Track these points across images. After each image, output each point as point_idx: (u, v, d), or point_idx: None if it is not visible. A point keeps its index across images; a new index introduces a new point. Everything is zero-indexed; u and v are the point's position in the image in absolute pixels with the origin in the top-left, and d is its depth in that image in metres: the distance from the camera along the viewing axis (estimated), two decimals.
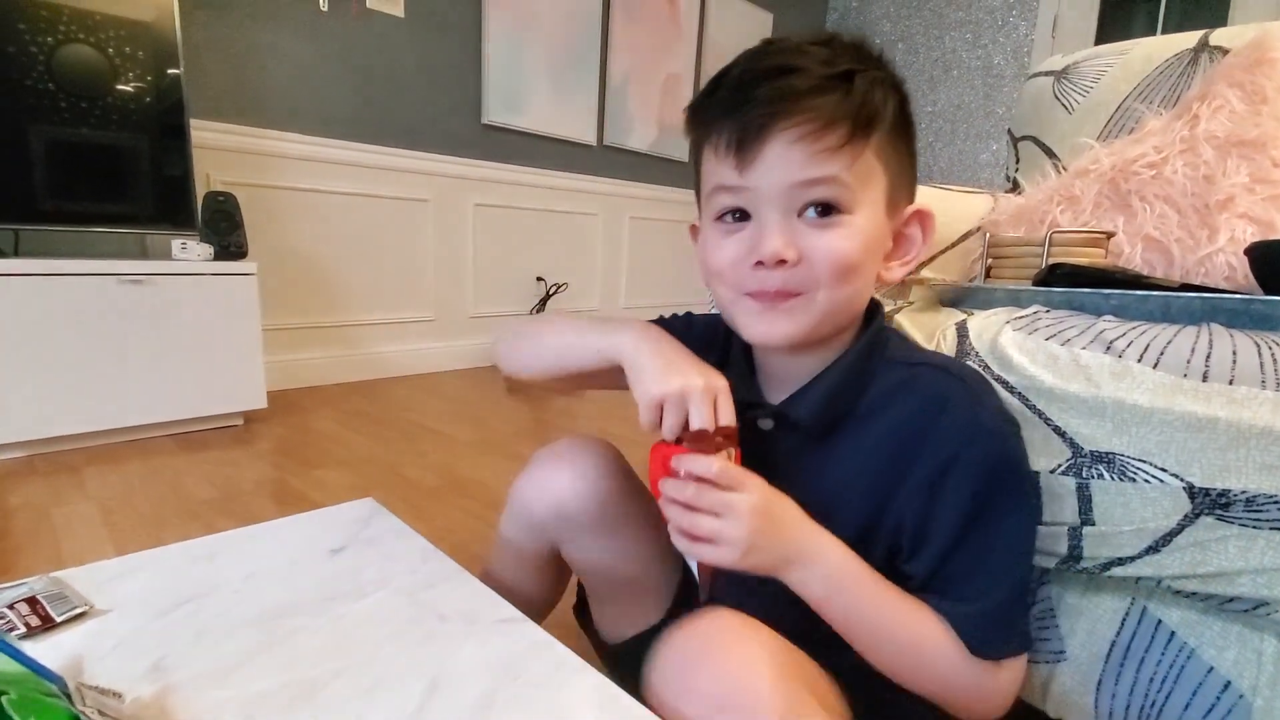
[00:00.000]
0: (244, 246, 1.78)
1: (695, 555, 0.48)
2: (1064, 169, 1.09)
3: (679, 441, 0.49)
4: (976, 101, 3.66)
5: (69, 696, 0.35)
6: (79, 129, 1.55)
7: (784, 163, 0.46)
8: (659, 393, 0.49)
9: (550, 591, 0.74)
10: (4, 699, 0.34)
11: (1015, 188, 1.27)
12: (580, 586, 0.75)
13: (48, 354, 1.47)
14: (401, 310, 2.48)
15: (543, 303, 2.91)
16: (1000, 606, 0.50)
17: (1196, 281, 0.82)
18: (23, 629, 0.45)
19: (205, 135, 1.91)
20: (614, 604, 0.70)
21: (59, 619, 0.47)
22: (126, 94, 1.60)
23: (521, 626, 0.49)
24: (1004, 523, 0.50)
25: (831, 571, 0.49)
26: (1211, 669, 0.56)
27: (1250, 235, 0.81)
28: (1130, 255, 0.88)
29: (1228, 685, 0.55)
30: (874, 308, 0.57)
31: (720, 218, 0.52)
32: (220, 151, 1.98)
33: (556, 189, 2.90)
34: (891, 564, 0.53)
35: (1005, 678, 0.51)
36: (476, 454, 1.69)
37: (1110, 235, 0.81)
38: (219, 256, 1.73)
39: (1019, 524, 0.51)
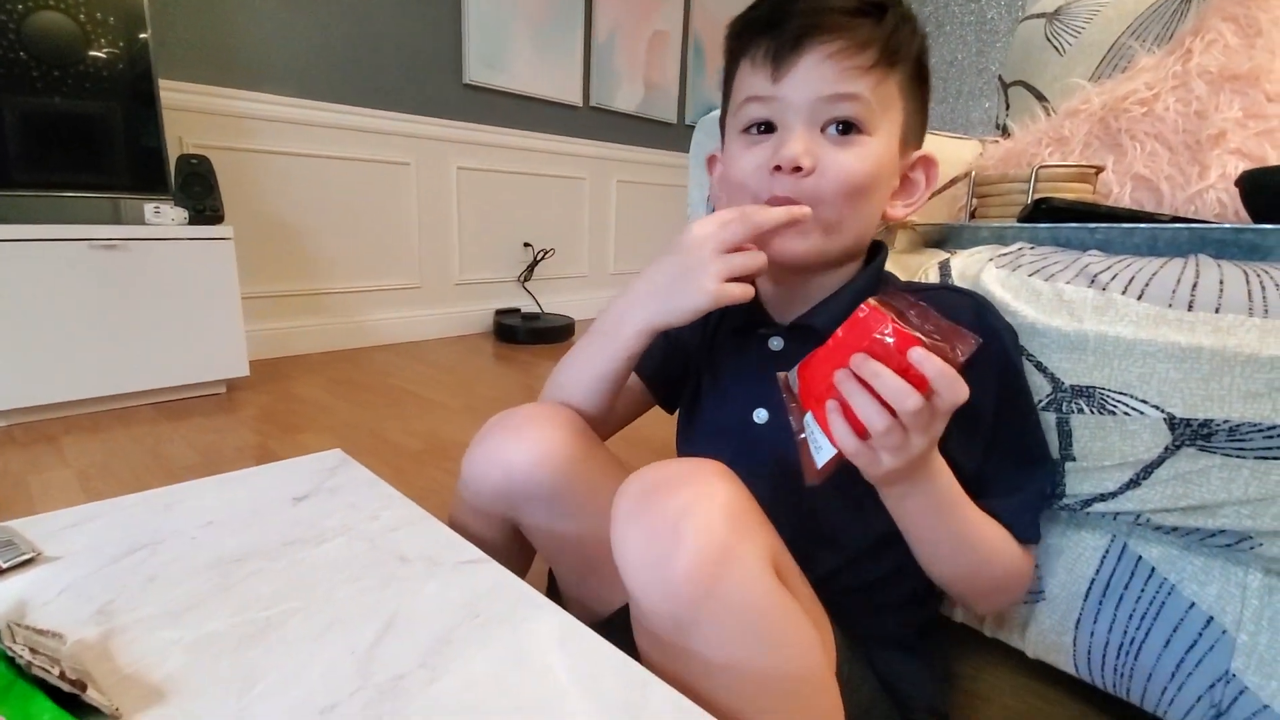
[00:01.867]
0: (220, 210, 1.74)
1: (851, 454, 0.42)
2: (1054, 112, 1.06)
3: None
4: (969, 58, 3.58)
5: None
6: (52, 98, 1.50)
7: (815, 76, 0.49)
8: (699, 229, 0.50)
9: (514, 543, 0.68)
10: None
11: (1005, 134, 1.24)
12: (550, 576, 0.70)
13: (23, 322, 1.44)
14: (386, 277, 2.44)
15: (530, 269, 2.87)
16: (1040, 491, 0.56)
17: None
18: None
19: (176, 96, 1.85)
20: (596, 574, 0.65)
21: (4, 565, 0.45)
22: (98, 60, 1.55)
23: (484, 567, 0.47)
24: (1028, 416, 0.55)
25: (940, 490, 0.47)
26: (1193, 605, 0.55)
27: (1241, 171, 0.79)
28: (1119, 195, 0.86)
29: (1210, 621, 0.55)
30: (877, 247, 0.60)
31: (747, 129, 0.54)
32: (192, 114, 1.92)
33: (542, 152, 2.84)
34: None
35: (1029, 564, 0.56)
36: (462, 419, 1.67)
37: (1099, 170, 0.78)
38: (194, 221, 1.69)
39: (1035, 414, 0.56)
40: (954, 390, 0.39)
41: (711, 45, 3.46)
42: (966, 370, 0.40)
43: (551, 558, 0.63)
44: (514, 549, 0.64)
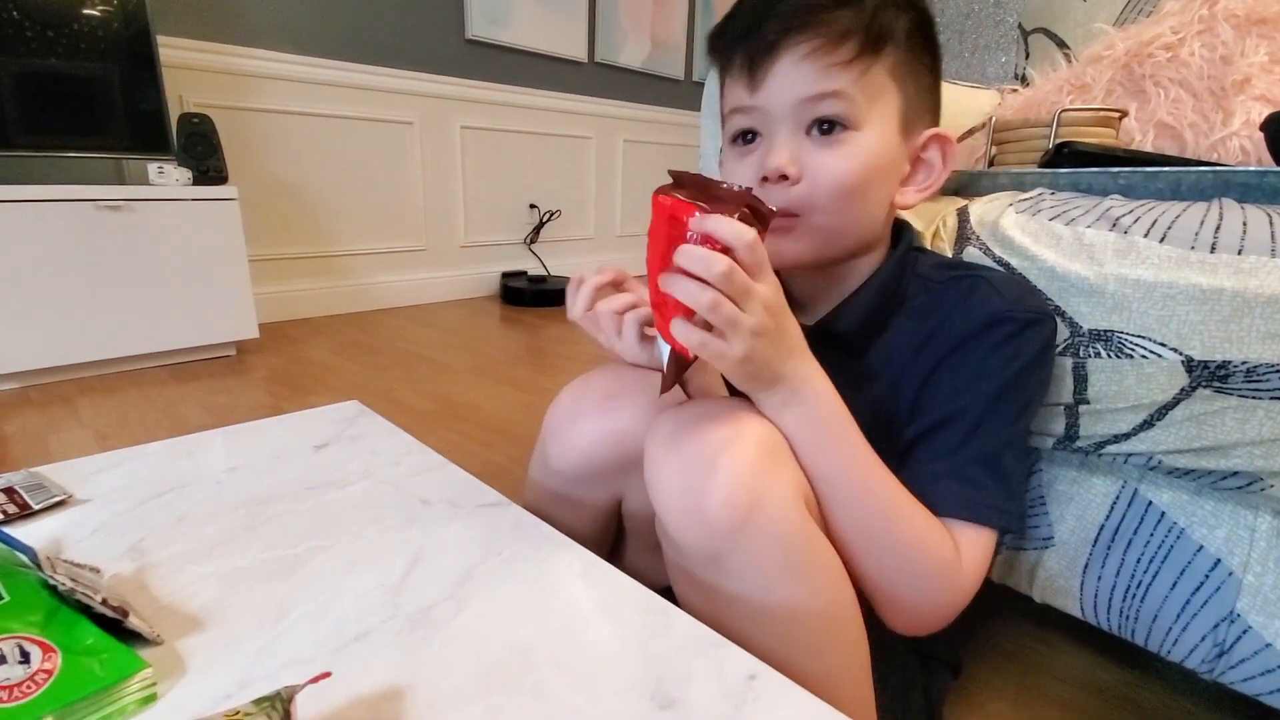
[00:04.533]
0: (224, 171, 1.72)
1: (699, 348, 0.40)
2: (1076, 59, 1.03)
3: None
4: (986, 9, 3.46)
5: (39, 566, 0.35)
6: (47, 59, 1.47)
7: (792, 78, 0.47)
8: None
9: (607, 533, 0.64)
10: None
11: (1025, 83, 1.21)
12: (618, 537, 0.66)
13: (33, 283, 1.44)
14: (392, 240, 2.43)
15: (536, 231, 2.85)
16: (967, 464, 0.48)
17: None
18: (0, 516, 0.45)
19: (175, 54, 1.81)
20: None
21: (36, 506, 0.46)
22: (93, 18, 1.52)
23: (505, 509, 0.48)
24: (999, 400, 0.49)
25: (816, 403, 0.44)
26: (1201, 548, 0.56)
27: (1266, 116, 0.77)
28: (1142, 142, 0.84)
29: (1217, 563, 0.55)
30: (902, 227, 0.57)
31: (734, 140, 0.52)
32: (193, 71, 1.89)
33: (547, 110, 2.79)
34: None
35: (967, 567, 0.47)
36: (470, 380, 1.68)
37: (1123, 114, 0.77)
38: (198, 181, 1.67)
39: (1010, 402, 0.50)
40: (738, 235, 0.37)
41: None
42: (944, 356, 0.43)
43: (640, 525, 0.60)
44: (604, 536, 0.62)
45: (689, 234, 0.37)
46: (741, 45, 0.49)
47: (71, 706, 0.29)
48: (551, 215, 2.89)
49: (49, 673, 0.30)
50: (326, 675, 0.29)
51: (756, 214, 0.38)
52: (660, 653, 0.35)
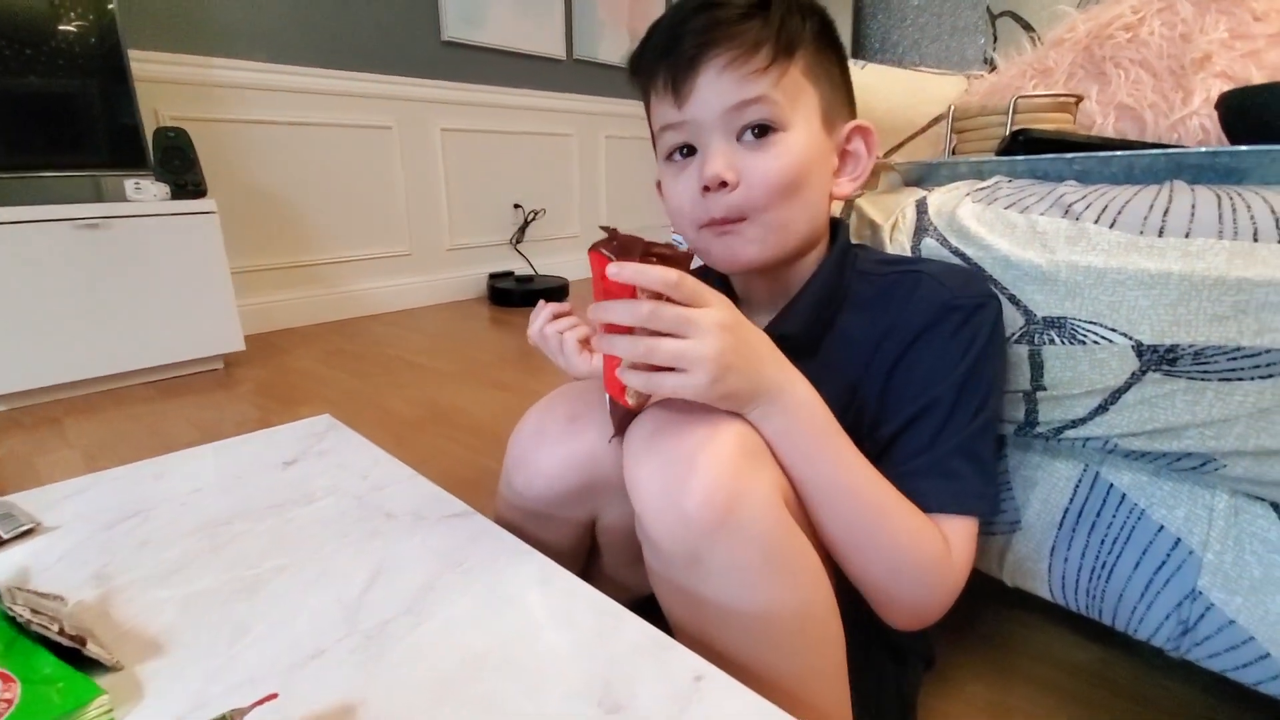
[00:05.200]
0: (201, 184, 1.72)
1: (656, 388, 0.41)
2: (1041, 42, 1.04)
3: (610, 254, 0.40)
4: None
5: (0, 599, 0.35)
6: (25, 77, 1.47)
7: (716, 90, 0.49)
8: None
9: (580, 547, 0.64)
10: None
11: (992, 68, 1.21)
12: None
13: (15, 305, 1.45)
14: (375, 246, 2.43)
15: (521, 231, 2.85)
16: (945, 457, 0.50)
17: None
18: None
19: (148, 68, 1.81)
20: None
21: (6, 536, 0.47)
22: (68, 34, 1.51)
23: (468, 520, 0.49)
24: (964, 387, 0.50)
25: (800, 409, 0.45)
26: (1162, 528, 0.57)
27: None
28: (1102, 125, 0.85)
29: (1177, 542, 0.56)
30: (836, 226, 0.59)
31: (670, 157, 0.54)
32: (166, 84, 1.89)
33: (527, 109, 2.79)
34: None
35: (957, 558, 0.49)
36: (457, 384, 1.69)
37: (1079, 99, 0.77)
38: (176, 196, 1.67)
39: (974, 389, 0.51)
40: (657, 277, 0.38)
41: None
42: (902, 353, 0.46)
43: (615, 540, 0.61)
44: (579, 549, 0.62)
45: (606, 286, 0.39)
46: (663, 65, 0.51)
47: None
48: (536, 214, 2.89)
49: (9, 702, 0.30)
50: (273, 696, 0.29)
51: (668, 259, 0.40)
52: (609, 656, 0.35)
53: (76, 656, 0.34)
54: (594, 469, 0.54)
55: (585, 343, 0.57)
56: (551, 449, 0.55)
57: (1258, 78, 0.76)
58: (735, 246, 0.52)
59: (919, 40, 3.69)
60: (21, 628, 0.34)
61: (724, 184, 0.49)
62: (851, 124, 0.55)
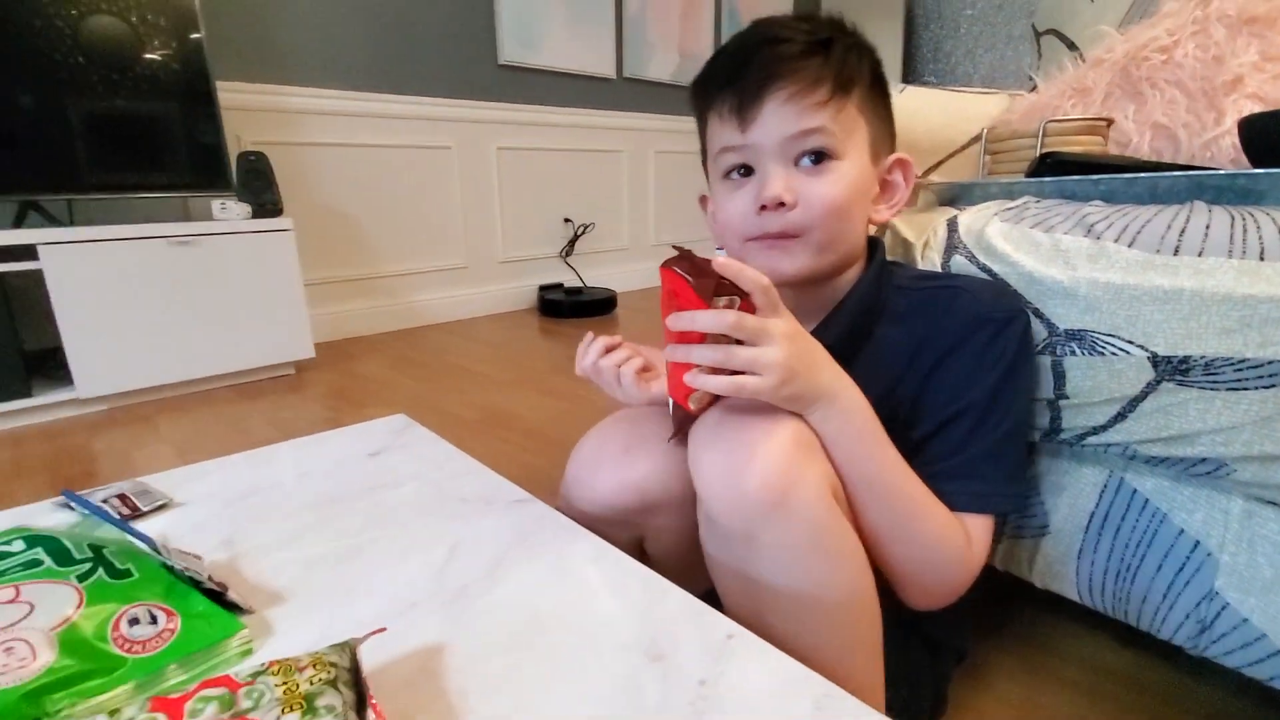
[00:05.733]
0: (279, 204, 1.86)
1: (738, 390, 0.45)
2: (1082, 61, 1.06)
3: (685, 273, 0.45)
4: (1018, 1, 3.44)
5: (159, 552, 0.43)
6: (113, 100, 1.60)
7: (779, 118, 0.54)
8: None
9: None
10: (105, 551, 0.42)
11: (1033, 87, 1.23)
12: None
13: (113, 315, 1.60)
14: (434, 259, 2.56)
15: (571, 244, 2.95)
16: (973, 461, 0.55)
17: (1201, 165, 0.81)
18: (117, 517, 0.54)
19: (232, 97, 1.97)
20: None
21: (145, 509, 0.56)
22: (153, 62, 1.65)
23: (531, 505, 0.55)
24: (995, 396, 0.55)
25: (853, 413, 0.50)
26: (1182, 531, 0.59)
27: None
28: (1138, 144, 0.87)
29: (1197, 545, 0.59)
30: (874, 245, 0.63)
31: (727, 175, 0.59)
32: (247, 111, 2.05)
33: (578, 126, 2.89)
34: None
35: (975, 551, 0.54)
36: (512, 390, 1.77)
37: (1109, 122, 0.80)
38: (256, 215, 1.81)
39: (1004, 398, 0.56)
40: (755, 280, 0.44)
41: (746, 8, 3.42)
42: (937, 362, 0.49)
43: (665, 547, 0.65)
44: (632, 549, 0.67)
45: (680, 301, 0.46)
46: (728, 92, 0.56)
47: (190, 657, 0.37)
48: (585, 228, 2.98)
49: (172, 631, 0.38)
50: (382, 630, 0.36)
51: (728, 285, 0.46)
52: (656, 618, 0.41)
53: (219, 600, 0.42)
54: (645, 494, 0.59)
55: (640, 374, 0.61)
56: (608, 475, 0.60)
57: None
58: (779, 260, 0.57)
59: (973, 49, 3.67)
60: (177, 575, 0.42)
61: (781, 204, 0.54)
62: (894, 156, 0.60)
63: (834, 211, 0.55)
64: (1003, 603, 0.82)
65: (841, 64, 0.54)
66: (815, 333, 0.60)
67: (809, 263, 0.57)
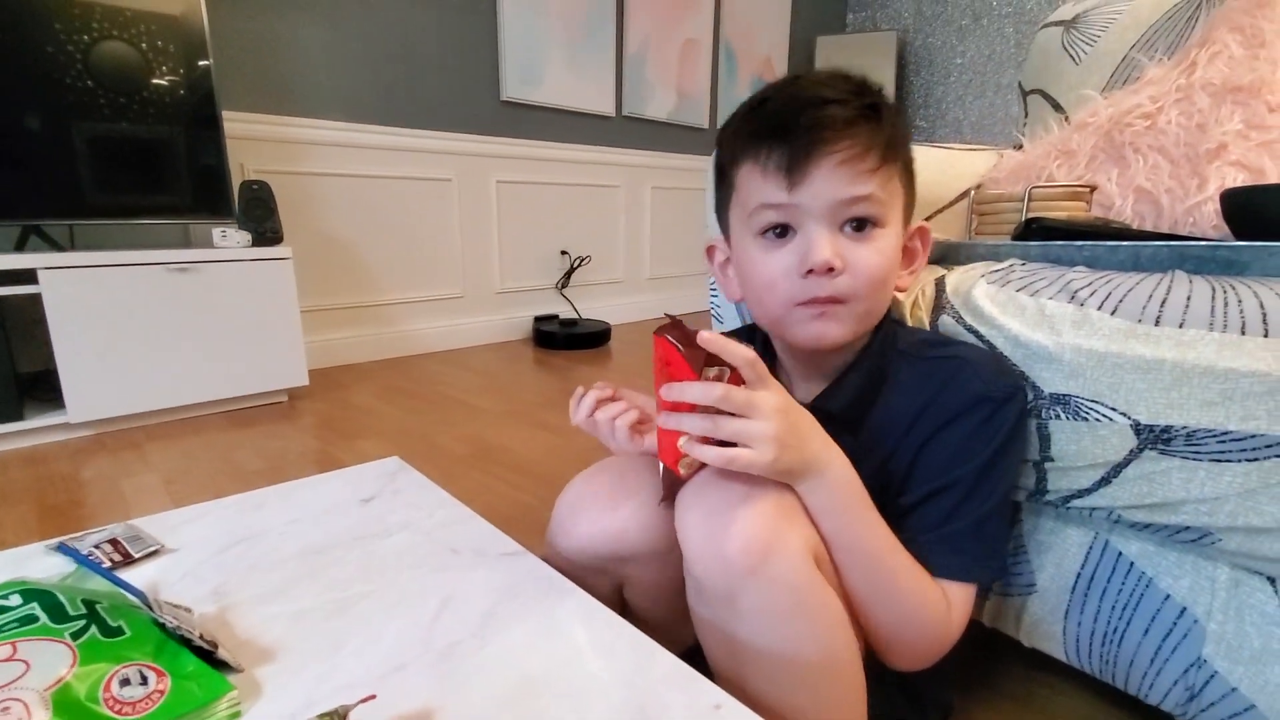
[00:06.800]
0: (279, 232, 1.88)
1: (729, 463, 0.46)
2: (1068, 122, 1.09)
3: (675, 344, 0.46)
4: (1008, 51, 3.55)
5: (150, 607, 0.43)
6: (119, 124, 1.62)
7: (830, 183, 0.53)
8: None
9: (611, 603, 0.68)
10: (98, 607, 0.42)
11: (1019, 147, 1.27)
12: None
13: (109, 340, 1.59)
14: (431, 288, 2.57)
15: (567, 276, 2.97)
16: (956, 535, 0.55)
17: (1184, 231, 0.83)
18: (108, 564, 0.54)
19: (237, 126, 1.99)
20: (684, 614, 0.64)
21: (136, 556, 0.55)
22: (161, 88, 1.67)
23: (522, 559, 0.56)
24: (985, 472, 0.56)
25: (842, 484, 0.51)
26: (1168, 596, 0.60)
27: (1240, 182, 0.82)
28: (1121, 207, 0.90)
29: (1183, 611, 0.59)
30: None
31: (763, 233, 0.57)
32: (251, 141, 2.07)
33: (577, 162, 2.94)
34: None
35: (956, 616, 0.55)
36: (503, 423, 1.77)
37: (1093, 189, 0.82)
38: (256, 243, 1.83)
39: (992, 475, 0.56)
40: (741, 354, 0.45)
41: (742, 50, 3.51)
42: (932, 434, 0.51)
43: (643, 597, 0.66)
44: (614, 597, 0.68)
45: (671, 370, 0.46)
46: (775, 148, 0.54)
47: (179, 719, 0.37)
48: (581, 261, 3.01)
49: (161, 692, 0.38)
50: (372, 697, 0.36)
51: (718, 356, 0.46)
52: (643, 684, 0.41)
53: (209, 658, 0.42)
54: (623, 543, 0.59)
55: (634, 427, 0.61)
56: (588, 522, 0.61)
57: (1271, 168, 0.81)
58: (826, 327, 0.56)
59: (963, 95, 3.77)
60: (168, 632, 0.42)
61: (830, 269, 0.53)
62: (917, 224, 0.62)
63: (879, 279, 0.56)
64: (993, 659, 0.82)
65: (892, 132, 0.54)
66: (821, 398, 0.62)
67: (852, 329, 0.57)
